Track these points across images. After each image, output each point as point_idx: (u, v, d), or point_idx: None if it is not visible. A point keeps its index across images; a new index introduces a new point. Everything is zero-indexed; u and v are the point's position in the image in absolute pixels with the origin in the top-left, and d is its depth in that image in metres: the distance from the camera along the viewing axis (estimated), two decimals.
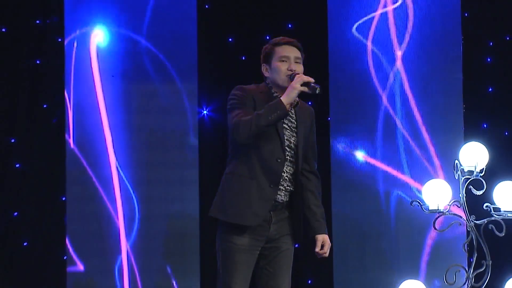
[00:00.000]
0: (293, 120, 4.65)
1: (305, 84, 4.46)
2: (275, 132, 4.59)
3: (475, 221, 6.28)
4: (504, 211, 6.22)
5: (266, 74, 4.72)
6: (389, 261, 7.32)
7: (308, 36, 7.35)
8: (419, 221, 7.14)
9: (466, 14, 7.60)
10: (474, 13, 7.61)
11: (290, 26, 7.59)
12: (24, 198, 7.04)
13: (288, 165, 4.63)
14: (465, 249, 6.44)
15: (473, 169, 6.23)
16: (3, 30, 7.04)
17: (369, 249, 7.39)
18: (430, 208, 6.29)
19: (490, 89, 7.60)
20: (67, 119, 7.14)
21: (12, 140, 7.00)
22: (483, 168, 6.26)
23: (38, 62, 7.11)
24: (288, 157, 4.63)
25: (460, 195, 6.28)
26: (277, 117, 4.44)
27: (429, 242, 7.24)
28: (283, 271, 4.77)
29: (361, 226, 7.45)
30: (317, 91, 4.49)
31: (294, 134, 4.66)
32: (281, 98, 4.46)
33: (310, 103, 7.06)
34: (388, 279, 7.14)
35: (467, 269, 6.41)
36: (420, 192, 6.84)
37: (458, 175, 6.28)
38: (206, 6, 7.50)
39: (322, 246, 4.74)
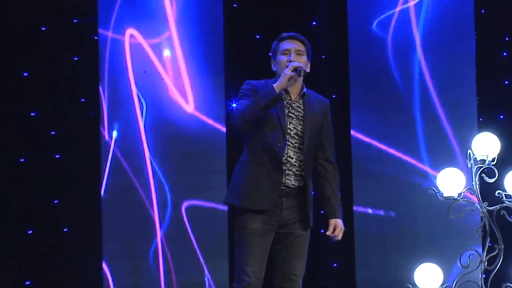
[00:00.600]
0: (301, 110, 4.77)
1: (294, 70, 4.62)
2: (277, 120, 4.70)
3: (488, 208, 6.43)
4: None
5: (274, 68, 4.89)
6: (407, 246, 7.50)
7: (330, 32, 7.78)
8: (434, 207, 7.24)
9: (482, 11, 7.71)
10: (490, 9, 7.70)
11: (314, 23, 7.80)
12: (64, 187, 7.32)
13: (295, 151, 4.74)
14: (478, 234, 6.59)
15: (485, 158, 6.38)
16: (43, 29, 7.29)
17: (388, 234, 7.57)
18: (444, 195, 6.44)
19: (507, 82, 7.74)
20: (101, 113, 7.38)
21: (53, 133, 7.31)
22: (495, 157, 6.41)
23: (76, 58, 7.37)
24: (292, 143, 4.73)
25: (473, 183, 6.43)
26: (269, 101, 4.60)
27: (444, 227, 7.39)
28: (297, 255, 4.87)
29: (381, 213, 7.64)
30: (301, 74, 4.66)
31: (301, 123, 4.76)
32: (273, 84, 4.62)
33: (334, 96, 7.42)
34: (406, 262, 7.25)
35: (480, 253, 6.54)
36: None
37: (471, 164, 6.43)
38: (235, 5, 7.72)
39: (334, 230, 4.84)
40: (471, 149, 6.46)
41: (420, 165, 7.57)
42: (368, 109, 7.66)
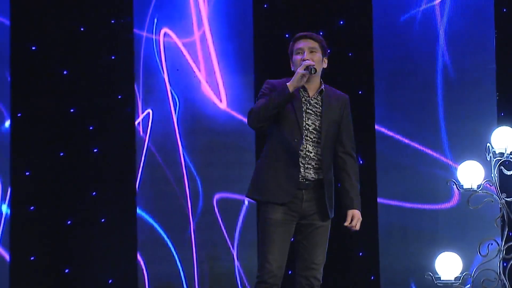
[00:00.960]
0: (318, 106, 4.87)
1: (306, 68, 4.72)
2: (294, 116, 4.82)
3: (506, 199, 6.59)
4: None
5: (292, 68, 4.98)
6: (428, 235, 7.62)
7: (356, 31, 7.90)
8: (456, 198, 7.49)
9: (504, 10, 7.78)
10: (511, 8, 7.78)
11: (341, 22, 7.95)
12: (101, 180, 7.50)
13: (314, 146, 4.85)
14: (497, 224, 6.68)
15: (504, 151, 6.56)
16: (82, 29, 7.49)
17: (411, 224, 7.69)
18: (464, 187, 6.61)
19: None
20: (136, 109, 7.57)
21: (91, 128, 7.51)
22: None
23: (113, 57, 7.57)
24: (310, 138, 4.84)
25: (492, 175, 6.58)
26: (283, 100, 4.74)
27: (464, 218, 7.51)
28: (318, 245, 4.96)
29: (403, 205, 7.76)
30: (312, 72, 4.74)
31: (319, 118, 4.86)
32: (287, 83, 4.76)
33: (360, 92, 7.60)
34: (427, 251, 7.37)
35: (499, 243, 6.65)
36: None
37: (490, 156, 6.59)
38: (265, 6, 7.89)
39: (352, 220, 4.92)
40: (490, 143, 6.61)
41: (442, 158, 7.64)
42: (392, 105, 7.76)
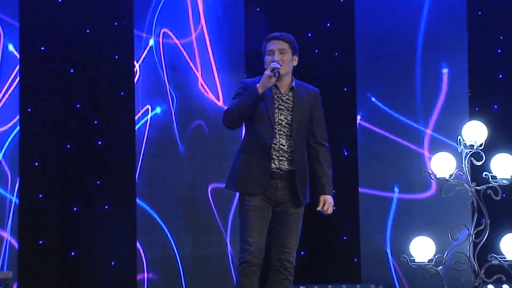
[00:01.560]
0: (290, 101, 5.02)
1: (272, 70, 4.83)
2: (266, 113, 4.97)
3: (476, 187, 6.87)
4: (500, 179, 6.79)
5: (265, 66, 5.04)
6: (404, 222, 7.94)
7: (340, 32, 8.18)
8: (428, 187, 7.79)
9: (479, 13, 8.04)
10: (485, 12, 8.05)
11: (328, 24, 8.19)
12: (105, 170, 7.76)
13: (287, 139, 4.99)
14: (467, 211, 6.95)
15: (474, 144, 6.79)
16: (87, 31, 7.70)
17: (388, 212, 7.96)
18: (437, 176, 6.89)
19: (500, 76, 8.09)
20: (137, 105, 7.76)
21: (95, 122, 7.78)
22: (482, 143, 6.82)
23: (116, 57, 7.79)
24: (284, 132, 4.99)
25: (463, 166, 6.87)
26: (253, 100, 4.87)
27: (437, 205, 7.78)
28: (291, 231, 5.10)
29: (384, 194, 8.03)
30: (276, 75, 4.83)
31: (291, 113, 5.00)
32: (257, 85, 4.88)
33: (345, 88, 7.91)
34: (403, 235, 7.68)
35: (469, 228, 6.97)
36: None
37: (461, 148, 6.88)
38: (258, 9, 8.12)
39: (324, 205, 5.03)
40: (461, 136, 6.88)
41: (420, 150, 7.94)
42: (373, 102, 8.05)
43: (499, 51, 8.15)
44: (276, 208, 5.03)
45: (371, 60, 8.17)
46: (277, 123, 4.97)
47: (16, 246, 7.61)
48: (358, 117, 8.13)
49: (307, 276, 7.98)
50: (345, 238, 8.05)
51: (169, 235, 7.73)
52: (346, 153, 8.15)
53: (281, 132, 4.97)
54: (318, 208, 5.01)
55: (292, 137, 4.98)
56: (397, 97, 8.16)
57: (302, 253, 8.01)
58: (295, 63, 5.09)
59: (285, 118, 4.98)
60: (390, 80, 8.14)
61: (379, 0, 8.21)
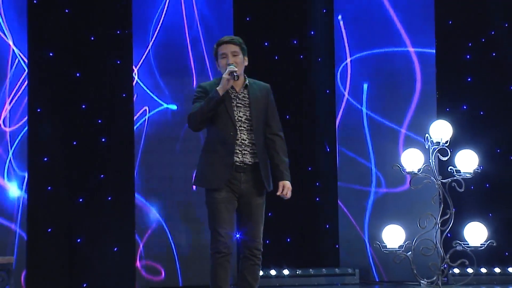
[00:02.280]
0: (246, 98, 5.09)
1: (230, 73, 4.90)
2: (226, 112, 5.03)
3: (442, 180, 7.30)
4: (463, 172, 7.22)
5: (218, 69, 5.16)
6: (377, 210, 8.29)
7: (323, 40, 8.49)
8: (399, 180, 8.12)
9: (450, 22, 8.40)
10: (454, 20, 8.42)
11: (312, 33, 8.53)
12: (108, 165, 7.89)
13: (248, 134, 5.06)
14: (434, 202, 7.37)
15: (440, 141, 7.21)
16: (92, 38, 7.85)
17: (364, 203, 8.36)
18: (407, 170, 7.31)
19: (469, 79, 8.45)
20: (134, 106, 7.94)
21: (99, 121, 7.96)
22: (447, 140, 7.23)
23: (118, 62, 7.95)
24: (244, 128, 5.06)
25: (430, 161, 7.28)
26: (215, 103, 4.93)
27: (407, 197, 8.15)
28: (257, 221, 5.17)
29: (362, 188, 8.37)
30: (235, 78, 4.92)
31: (248, 109, 5.08)
32: (217, 88, 4.94)
33: (328, 91, 8.23)
34: (376, 223, 8.12)
35: (435, 217, 7.38)
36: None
37: (428, 145, 7.29)
38: (248, 19, 8.38)
39: (283, 190, 5.10)
40: (428, 134, 7.30)
41: (394, 146, 8.26)
42: (353, 103, 8.38)
43: (468, 57, 8.46)
44: (240, 200, 5.11)
45: (351, 64, 8.48)
46: (237, 120, 5.03)
47: (25, 236, 7.70)
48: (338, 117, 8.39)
49: (291, 261, 8.25)
50: (327, 226, 8.32)
51: (164, 225, 7.98)
52: (328, 149, 8.45)
53: (242, 128, 5.05)
54: (278, 193, 5.09)
55: (252, 131, 5.06)
56: (375, 99, 8.45)
57: (288, 239, 8.31)
58: (246, 63, 5.16)
59: (243, 115, 5.06)
60: (370, 83, 8.47)
61: (356, 12, 8.52)
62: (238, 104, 5.04)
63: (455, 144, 7.51)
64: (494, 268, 8.11)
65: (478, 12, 8.52)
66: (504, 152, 8.47)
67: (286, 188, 5.08)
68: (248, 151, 5.04)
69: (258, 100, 5.10)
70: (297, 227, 8.43)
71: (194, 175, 5.22)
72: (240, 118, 5.03)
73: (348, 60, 8.46)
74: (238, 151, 5.01)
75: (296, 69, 8.65)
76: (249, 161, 5.02)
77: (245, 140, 5.03)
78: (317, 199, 8.41)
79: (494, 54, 8.50)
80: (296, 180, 8.01)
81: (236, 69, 4.89)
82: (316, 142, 8.60)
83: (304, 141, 8.58)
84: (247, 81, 5.08)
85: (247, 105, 5.07)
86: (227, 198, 5.03)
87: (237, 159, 5.01)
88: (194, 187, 7.44)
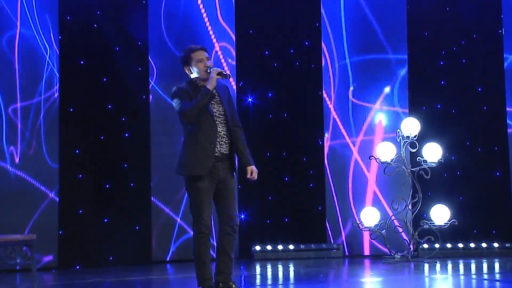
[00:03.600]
0: (217, 96, 5.28)
1: (219, 73, 5.15)
2: (207, 110, 5.20)
3: (411, 169, 7.90)
4: (430, 162, 7.82)
5: (190, 74, 5.32)
6: (358, 195, 8.74)
7: (317, 49, 8.90)
8: (376, 168, 8.62)
9: (426, 33, 8.93)
10: (429, 32, 8.96)
11: (306, 43, 9.04)
12: (130, 156, 8.33)
13: (223, 127, 5.25)
14: (404, 187, 7.97)
15: (409, 135, 7.82)
16: (117, 48, 8.28)
17: (346, 188, 8.77)
18: (381, 161, 7.92)
19: (443, 82, 9.05)
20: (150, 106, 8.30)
21: (123, 119, 8.35)
22: (416, 134, 7.82)
23: (140, 69, 8.40)
24: (220, 122, 5.24)
25: (401, 152, 7.90)
26: (208, 98, 5.13)
27: (382, 183, 8.62)
28: (232, 200, 5.36)
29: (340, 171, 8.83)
30: (227, 77, 5.19)
31: (221, 105, 5.28)
32: (206, 86, 5.12)
33: (320, 92, 8.68)
34: (357, 207, 8.58)
35: (406, 200, 7.96)
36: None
37: (400, 139, 7.91)
38: (250, 31, 8.93)
39: (251, 174, 5.32)
40: (400, 129, 7.93)
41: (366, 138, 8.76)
42: (340, 103, 8.87)
43: (442, 63, 9.04)
44: (219, 185, 5.30)
45: (339, 69, 8.94)
46: (216, 115, 5.24)
47: (58, 216, 7.91)
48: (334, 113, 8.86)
49: (287, 238, 8.72)
50: (320, 208, 8.84)
51: (168, 210, 8.39)
52: (320, 143, 8.95)
53: (219, 122, 5.25)
54: (248, 176, 5.33)
55: (226, 124, 5.30)
56: (358, 95, 8.93)
57: (286, 219, 8.87)
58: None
59: (217, 110, 5.27)
60: (356, 85, 8.95)
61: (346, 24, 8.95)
62: (212, 102, 5.25)
63: (431, 138, 8.07)
64: (458, 243, 8.59)
65: (450, 25, 9.05)
66: (472, 144, 9.02)
67: (254, 172, 5.35)
68: (224, 142, 5.29)
69: (225, 96, 5.36)
70: (295, 210, 8.94)
71: (177, 164, 5.34)
72: (217, 114, 5.25)
73: (337, 65, 8.94)
74: (217, 142, 5.23)
75: (294, 76, 9.16)
76: (225, 151, 5.28)
77: (221, 133, 5.26)
78: (311, 185, 8.96)
79: (464, 61, 9.07)
80: (293, 170, 8.70)
81: (224, 69, 5.25)
82: (310, 137, 9.09)
83: (300, 136, 9.04)
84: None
85: (219, 102, 5.30)
86: (208, 186, 5.23)
87: (216, 149, 5.23)
88: None
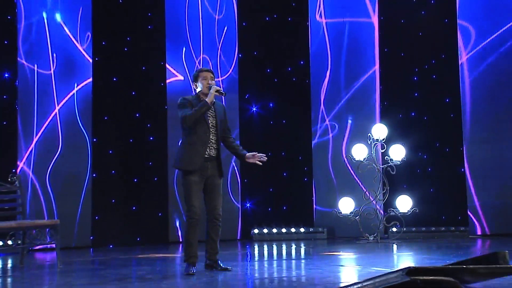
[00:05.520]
0: (213, 112, 5.76)
1: (217, 90, 5.63)
2: (204, 120, 5.67)
3: (380, 166, 8.73)
4: (395, 160, 8.65)
5: (196, 88, 5.82)
6: (338, 189, 9.47)
7: (313, 68, 9.49)
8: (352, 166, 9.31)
9: (402, 54, 9.55)
10: (405, 52, 9.55)
11: (301, 62, 9.74)
12: (154, 156, 8.98)
13: (214, 135, 5.70)
14: (375, 181, 8.76)
15: (378, 138, 8.65)
16: (143, 68, 8.98)
17: (331, 183, 9.51)
18: (356, 159, 8.75)
19: (416, 94, 9.70)
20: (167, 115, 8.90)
21: (148, 125, 9.09)
22: (384, 138, 8.62)
23: (161, 84, 9.05)
24: (212, 131, 5.70)
25: (372, 152, 8.72)
26: (205, 109, 5.58)
27: (356, 177, 9.38)
28: (218, 196, 5.75)
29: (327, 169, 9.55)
30: (223, 94, 5.69)
31: (215, 119, 5.75)
32: (206, 99, 5.61)
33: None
34: (335, 197, 9.34)
35: (376, 191, 8.75)
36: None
37: (370, 141, 8.73)
38: (255, 53, 9.67)
39: (253, 157, 5.79)
40: (370, 133, 8.71)
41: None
42: (326, 116, 9.57)
43: (415, 78, 9.63)
44: (207, 181, 5.74)
45: (327, 86, 9.66)
46: (210, 126, 5.76)
47: (91, 206, 8.58)
48: (327, 120, 9.51)
49: (283, 222, 9.43)
50: (314, 197, 9.55)
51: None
52: (312, 146, 9.66)
53: (211, 131, 5.77)
54: (255, 157, 5.81)
55: (216, 134, 5.83)
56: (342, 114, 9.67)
57: (284, 207, 9.63)
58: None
59: (211, 122, 5.80)
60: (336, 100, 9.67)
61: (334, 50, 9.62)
62: (209, 115, 5.82)
63: (389, 141, 8.77)
64: (422, 227, 9.23)
65: (422, 46, 9.71)
66: (441, 146, 9.66)
67: (256, 156, 5.86)
68: (213, 147, 5.80)
69: (220, 113, 5.92)
70: (292, 200, 9.67)
71: (174, 160, 5.91)
72: (209, 124, 5.77)
73: (326, 81, 9.72)
74: (208, 146, 5.72)
75: (290, 89, 9.87)
76: (213, 154, 5.78)
77: (212, 140, 5.79)
78: (305, 179, 9.78)
79: (434, 77, 9.75)
80: (291, 166, 9.35)
81: (221, 88, 5.76)
82: (304, 139, 9.85)
83: (296, 139, 9.81)
84: (214, 100, 5.89)
85: (214, 116, 5.85)
86: (198, 181, 5.69)
87: (207, 152, 5.71)
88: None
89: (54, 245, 6.65)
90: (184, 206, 5.75)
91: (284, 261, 7.17)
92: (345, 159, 9.49)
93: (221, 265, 5.89)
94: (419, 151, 9.55)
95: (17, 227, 6.45)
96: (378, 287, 2.93)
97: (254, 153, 5.86)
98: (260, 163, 5.86)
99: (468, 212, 9.38)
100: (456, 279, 2.88)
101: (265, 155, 5.85)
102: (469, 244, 8.52)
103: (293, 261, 7.13)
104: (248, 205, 9.59)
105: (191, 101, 5.75)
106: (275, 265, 6.73)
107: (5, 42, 8.58)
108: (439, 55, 9.80)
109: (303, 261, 7.14)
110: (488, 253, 3.12)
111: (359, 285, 3.05)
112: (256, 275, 6.04)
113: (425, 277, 2.83)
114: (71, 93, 8.81)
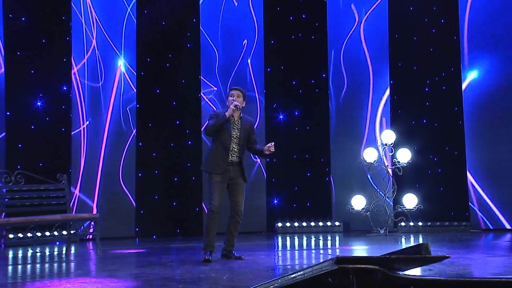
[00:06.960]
0: (238, 124, 6.20)
1: (235, 106, 6.09)
2: (227, 130, 6.11)
3: (389, 167, 9.16)
4: (402, 162, 9.07)
5: (227, 103, 6.29)
6: (351, 187, 9.82)
7: (332, 80, 9.92)
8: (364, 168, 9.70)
9: (415, 68, 9.86)
10: (418, 65, 9.81)
11: (323, 75, 10.09)
12: (192, 158, 9.44)
13: (236, 145, 6.12)
14: (384, 181, 9.20)
15: (387, 142, 9.09)
16: (183, 81, 9.52)
17: (345, 181, 9.89)
18: (367, 161, 9.21)
19: (428, 103, 9.94)
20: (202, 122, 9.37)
21: (187, 131, 9.54)
22: (392, 142, 9.05)
23: (199, 95, 9.61)
24: (235, 142, 6.11)
25: (381, 155, 9.18)
26: (224, 121, 6.04)
27: (368, 178, 9.75)
28: (240, 195, 6.18)
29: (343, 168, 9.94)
30: (238, 109, 6.09)
31: (239, 131, 6.18)
32: (225, 113, 6.07)
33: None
34: (349, 195, 9.64)
35: (385, 190, 9.16)
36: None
37: (379, 145, 9.20)
38: (282, 67, 10.04)
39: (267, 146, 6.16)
40: (380, 138, 9.20)
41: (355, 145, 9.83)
42: (342, 120, 10.03)
43: (427, 89, 9.88)
44: (230, 182, 6.23)
45: (342, 97, 10.19)
46: (233, 137, 6.24)
47: (134, 203, 9.14)
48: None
49: (304, 217, 9.79)
50: (334, 195, 9.92)
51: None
52: (330, 148, 10.10)
53: (234, 141, 6.26)
54: (269, 147, 6.21)
55: (239, 144, 6.30)
56: (354, 122, 10.13)
57: (308, 204, 9.93)
58: (244, 105, 6.38)
59: (235, 133, 6.29)
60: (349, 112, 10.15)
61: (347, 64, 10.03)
62: (234, 127, 6.29)
63: (397, 145, 9.11)
64: (427, 222, 9.52)
65: (433, 60, 10.02)
66: (451, 149, 9.90)
67: (270, 146, 6.24)
68: (235, 155, 6.30)
69: (245, 127, 6.36)
70: (313, 196, 10.02)
71: (202, 163, 6.44)
72: (234, 135, 6.26)
73: (343, 92, 10.18)
74: (230, 153, 6.21)
75: (313, 99, 10.28)
76: (235, 160, 6.28)
77: (234, 148, 6.29)
78: (327, 178, 10.18)
79: (444, 88, 10.03)
80: (314, 167, 9.70)
81: (239, 104, 6.25)
82: (325, 143, 10.21)
83: (318, 142, 10.16)
84: (241, 114, 6.39)
85: (239, 128, 6.31)
86: (220, 181, 6.21)
87: (229, 158, 6.21)
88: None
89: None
90: (207, 201, 6.22)
91: (296, 251, 7.59)
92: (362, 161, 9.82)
93: (235, 254, 6.46)
94: (427, 154, 9.78)
95: (62, 219, 7.06)
96: (307, 276, 3.02)
97: (269, 145, 6.25)
98: (273, 150, 6.24)
99: (474, 207, 9.60)
100: (383, 267, 2.98)
101: (273, 142, 6.27)
102: (469, 237, 8.84)
103: (305, 252, 7.54)
104: (275, 201, 10.00)
105: (218, 114, 6.26)
106: (288, 255, 7.15)
107: (64, 60, 9.18)
108: (449, 68, 10.08)
109: (313, 251, 7.54)
110: (414, 245, 3.26)
111: (294, 275, 3.08)
112: (271, 264, 6.32)
113: (355, 265, 2.89)
114: (116, 103, 9.44)
